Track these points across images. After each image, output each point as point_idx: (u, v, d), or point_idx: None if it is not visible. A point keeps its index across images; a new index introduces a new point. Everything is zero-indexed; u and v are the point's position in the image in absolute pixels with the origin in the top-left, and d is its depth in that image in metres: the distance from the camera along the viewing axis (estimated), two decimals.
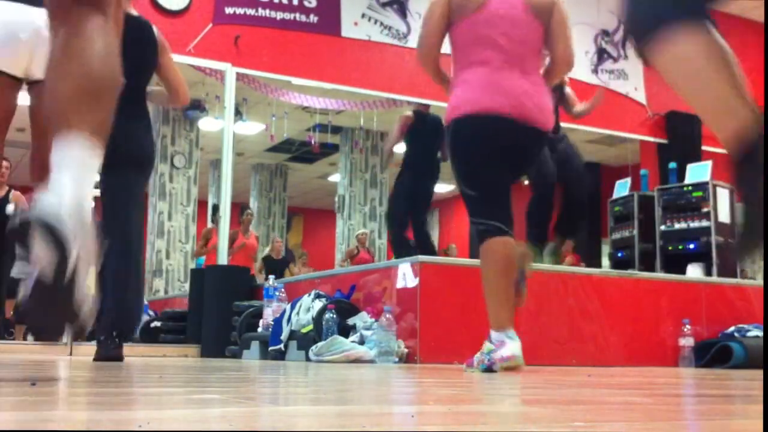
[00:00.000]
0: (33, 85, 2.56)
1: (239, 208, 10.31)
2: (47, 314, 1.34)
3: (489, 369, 3.01)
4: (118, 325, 3.82)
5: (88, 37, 1.62)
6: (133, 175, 3.91)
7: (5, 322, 7.89)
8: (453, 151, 3.28)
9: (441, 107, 5.46)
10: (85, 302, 1.34)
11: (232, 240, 9.38)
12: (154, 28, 4.04)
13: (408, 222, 6.88)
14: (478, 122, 3.16)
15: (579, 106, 5.94)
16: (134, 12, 4.05)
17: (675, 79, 1.57)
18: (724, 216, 7.32)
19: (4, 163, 7.01)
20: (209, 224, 12.33)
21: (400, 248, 6.71)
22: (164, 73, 4.06)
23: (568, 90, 6.00)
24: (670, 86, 1.58)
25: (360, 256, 10.61)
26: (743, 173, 1.48)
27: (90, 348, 5.96)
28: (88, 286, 1.35)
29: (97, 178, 1.43)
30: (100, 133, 1.55)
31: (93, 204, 1.46)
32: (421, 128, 6.76)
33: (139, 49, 3.91)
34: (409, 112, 6.97)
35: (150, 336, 6.53)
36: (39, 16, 2.47)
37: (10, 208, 7.00)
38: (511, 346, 3.03)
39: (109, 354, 3.75)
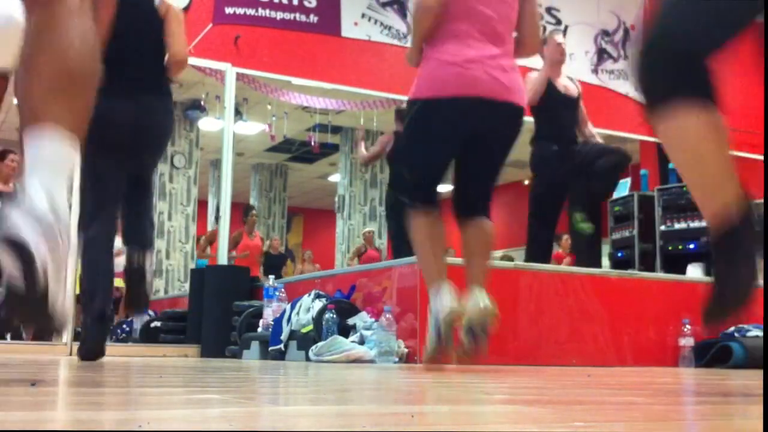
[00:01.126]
0: None
1: (243, 207, 10.25)
2: (23, 319, 1.31)
3: (438, 335, 3.01)
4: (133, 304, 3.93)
5: (60, 23, 1.52)
6: (148, 153, 3.94)
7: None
8: (410, 132, 3.22)
9: None
10: (58, 305, 1.32)
11: (236, 242, 9.32)
12: None
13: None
14: (446, 107, 3.08)
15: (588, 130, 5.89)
16: None
17: (672, 150, 1.66)
18: None
19: (12, 156, 6.84)
20: (210, 225, 12.31)
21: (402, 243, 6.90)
22: (166, 31, 3.91)
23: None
24: (669, 156, 1.69)
25: (367, 254, 10.57)
26: (721, 252, 1.59)
27: None
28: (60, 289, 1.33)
29: (75, 172, 1.34)
30: (77, 126, 1.47)
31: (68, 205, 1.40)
32: None
33: (142, 22, 3.86)
34: (389, 135, 7.31)
35: (150, 336, 6.53)
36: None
37: None
38: (445, 298, 3.03)
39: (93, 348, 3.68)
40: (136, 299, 3.89)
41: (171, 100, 4.03)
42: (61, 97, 1.47)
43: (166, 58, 3.95)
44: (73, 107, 1.49)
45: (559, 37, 5.80)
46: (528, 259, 5.57)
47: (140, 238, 3.94)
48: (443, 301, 3.04)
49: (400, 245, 7.02)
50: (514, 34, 3.33)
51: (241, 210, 9.86)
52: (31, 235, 1.30)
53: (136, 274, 3.88)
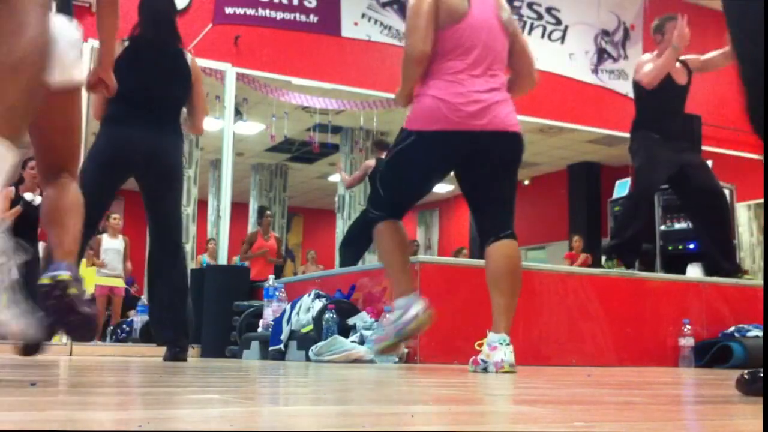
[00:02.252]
0: None
1: (258, 209, 10.28)
2: None
3: (402, 333, 3.13)
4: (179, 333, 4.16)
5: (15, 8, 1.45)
6: (166, 186, 4.18)
7: None
8: (398, 158, 3.30)
9: None
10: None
11: (251, 242, 9.39)
12: (188, 56, 4.29)
13: (360, 258, 7.60)
14: (438, 141, 3.17)
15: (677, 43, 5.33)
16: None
17: None
18: None
19: (32, 163, 6.91)
20: (210, 225, 12.31)
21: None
22: (192, 100, 4.27)
23: (691, 57, 5.56)
24: None
25: None
26: None
27: (90, 348, 5.97)
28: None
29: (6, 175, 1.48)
30: (11, 124, 1.43)
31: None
32: None
33: (176, 78, 4.20)
34: (372, 161, 7.62)
35: (150, 336, 6.53)
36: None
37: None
38: (415, 307, 3.12)
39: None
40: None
41: (182, 140, 4.32)
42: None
43: (188, 121, 4.34)
44: (7, 100, 1.45)
45: (679, 20, 5.31)
46: (607, 253, 5.44)
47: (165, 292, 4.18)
48: (413, 311, 3.12)
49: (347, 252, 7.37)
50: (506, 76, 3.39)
51: (241, 210, 9.85)
52: None
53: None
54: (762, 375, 1.50)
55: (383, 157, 7.57)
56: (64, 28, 2.38)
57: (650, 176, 5.40)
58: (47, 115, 2.45)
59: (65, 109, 2.46)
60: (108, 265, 8.91)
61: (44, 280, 2.16)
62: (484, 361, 3.10)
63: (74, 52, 2.40)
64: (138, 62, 4.05)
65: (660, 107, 5.39)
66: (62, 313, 2.01)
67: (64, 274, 2.16)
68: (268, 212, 10.17)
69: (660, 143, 5.33)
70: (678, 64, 5.45)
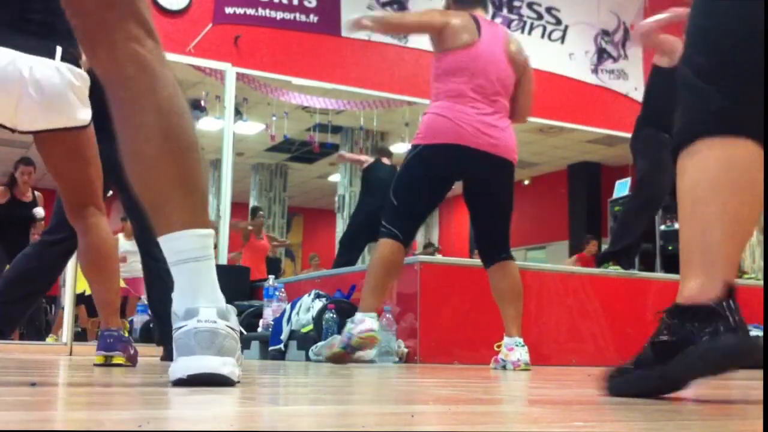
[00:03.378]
0: (35, 134, 2.49)
1: (251, 209, 10.33)
2: None
3: (348, 345, 3.45)
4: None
5: (149, 80, 1.41)
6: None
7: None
8: (409, 170, 3.59)
9: None
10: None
11: (246, 238, 9.49)
12: None
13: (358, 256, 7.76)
14: (438, 152, 3.50)
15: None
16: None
17: (680, 190, 1.41)
18: None
19: (22, 168, 7.07)
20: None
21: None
22: None
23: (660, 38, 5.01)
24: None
25: None
26: (676, 359, 1.34)
27: (90, 348, 5.97)
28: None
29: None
30: (206, 209, 1.45)
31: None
32: (376, 175, 7.52)
33: None
34: (371, 159, 7.75)
35: (150, 336, 6.53)
36: (30, 62, 2.35)
37: (39, 211, 7.09)
38: (369, 323, 3.45)
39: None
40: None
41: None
42: (183, 185, 1.43)
43: None
44: (199, 188, 1.46)
45: (660, 38, 4.91)
46: (607, 255, 5.36)
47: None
48: (364, 326, 3.44)
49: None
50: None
51: (241, 210, 9.86)
52: (228, 372, 1.37)
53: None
54: (628, 369, 1.43)
55: (385, 161, 7.66)
56: (66, 72, 2.40)
57: (657, 183, 4.98)
58: (61, 156, 2.53)
59: (77, 148, 2.53)
60: (129, 266, 8.92)
61: (99, 358, 2.71)
62: (503, 360, 3.52)
63: (78, 93, 2.43)
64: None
65: (670, 104, 5.18)
66: None
67: (120, 358, 2.72)
68: (261, 212, 10.20)
69: (668, 145, 5.07)
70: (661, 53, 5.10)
